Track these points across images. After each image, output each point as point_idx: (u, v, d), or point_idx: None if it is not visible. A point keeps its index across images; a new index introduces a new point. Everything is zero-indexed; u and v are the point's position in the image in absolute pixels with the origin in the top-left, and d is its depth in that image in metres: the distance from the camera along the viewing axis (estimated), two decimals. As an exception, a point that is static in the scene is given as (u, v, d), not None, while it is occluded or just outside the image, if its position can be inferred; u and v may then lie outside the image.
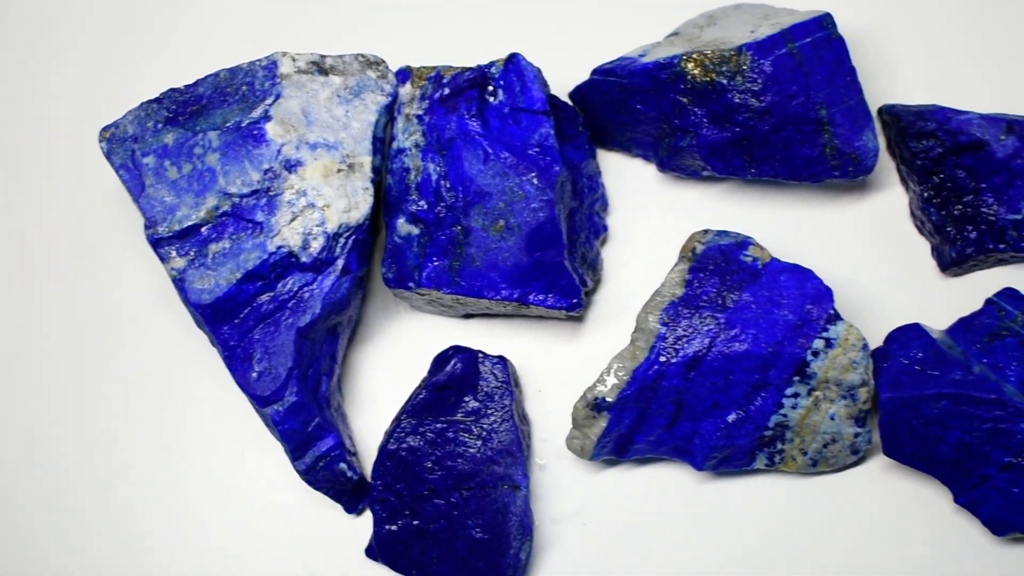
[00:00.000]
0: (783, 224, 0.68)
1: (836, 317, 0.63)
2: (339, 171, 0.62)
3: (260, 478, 0.66)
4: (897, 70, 0.70)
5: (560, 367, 0.67)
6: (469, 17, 0.71)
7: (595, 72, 0.66)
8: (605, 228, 0.67)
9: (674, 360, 0.62)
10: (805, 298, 0.63)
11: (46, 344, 0.69)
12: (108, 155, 0.63)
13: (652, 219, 0.68)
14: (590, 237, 0.66)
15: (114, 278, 0.69)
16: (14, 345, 0.69)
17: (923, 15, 0.71)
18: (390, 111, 0.65)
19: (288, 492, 0.66)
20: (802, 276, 0.63)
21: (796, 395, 0.62)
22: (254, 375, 0.62)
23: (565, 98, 0.68)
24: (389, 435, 0.64)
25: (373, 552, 0.65)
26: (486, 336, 0.67)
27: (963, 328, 0.65)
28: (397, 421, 0.65)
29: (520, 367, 0.67)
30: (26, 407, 0.68)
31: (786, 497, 0.65)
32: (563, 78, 0.68)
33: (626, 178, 0.69)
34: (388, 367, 0.67)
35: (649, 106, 0.65)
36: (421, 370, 0.66)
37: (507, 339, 0.67)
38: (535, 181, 0.62)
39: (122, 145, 0.63)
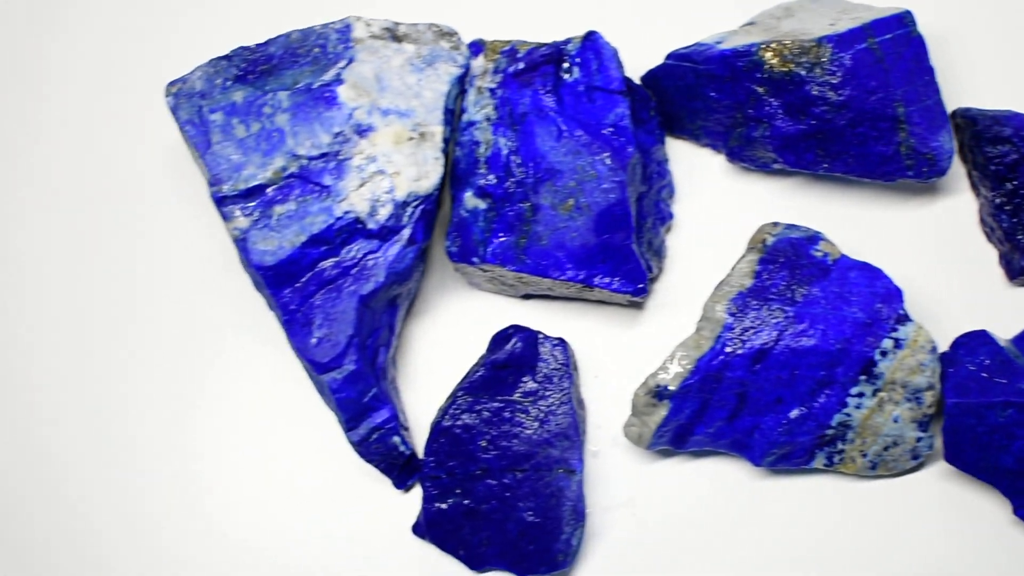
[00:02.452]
0: (849, 222, 0.68)
1: (906, 318, 0.63)
2: (410, 139, 0.62)
3: (310, 449, 0.66)
4: (972, 74, 0.71)
5: (618, 353, 0.67)
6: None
7: (670, 56, 0.67)
8: (671, 215, 0.68)
9: (740, 351, 0.63)
10: (875, 297, 0.63)
11: (98, 302, 0.69)
12: (174, 110, 0.63)
13: (718, 209, 0.69)
14: (656, 224, 0.66)
15: (171, 236, 0.69)
16: (67, 304, 0.69)
17: (1002, 18, 0.72)
18: (461, 83, 0.65)
19: (335, 465, 0.66)
20: (872, 274, 0.64)
21: (861, 395, 0.63)
22: (313, 341, 0.62)
23: (636, 81, 0.68)
24: (444, 411, 0.65)
25: (421, 529, 0.65)
26: (544, 317, 0.68)
27: (1029, 338, 0.65)
28: (453, 398, 0.65)
29: (578, 352, 0.67)
30: (72, 368, 0.68)
31: (842, 499, 0.65)
32: (634, 61, 0.69)
33: (694, 167, 0.69)
34: (443, 343, 0.67)
35: (723, 94, 0.66)
36: (476, 348, 0.67)
37: (565, 322, 0.68)
38: (608, 161, 0.63)
39: (189, 101, 0.63)
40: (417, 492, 0.66)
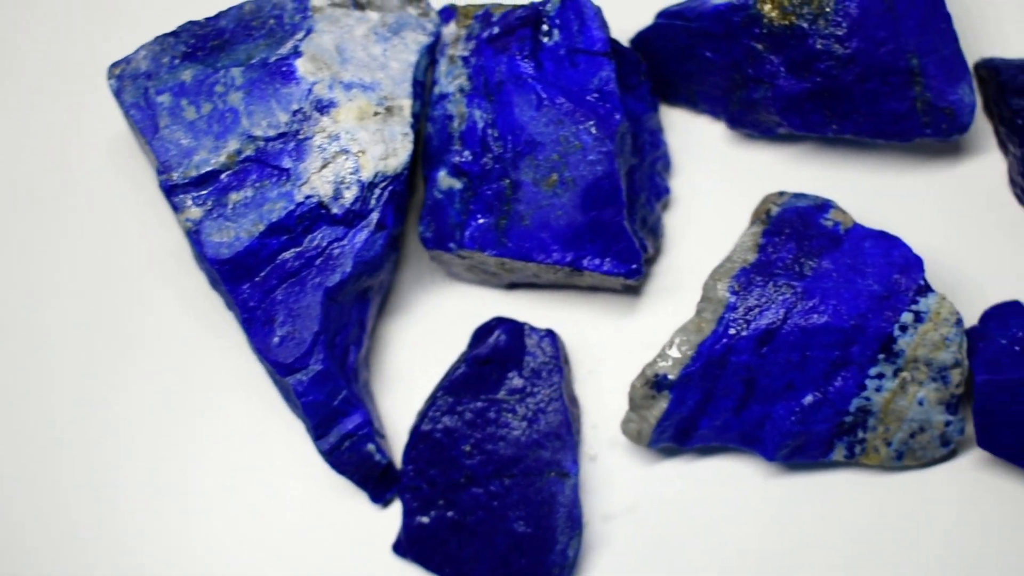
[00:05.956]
0: (865, 190, 0.69)
1: (927, 288, 0.63)
2: (376, 114, 0.63)
3: (275, 461, 0.67)
4: (994, 21, 0.71)
5: (614, 345, 0.67)
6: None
7: (660, 15, 0.67)
8: (667, 190, 0.68)
9: (744, 333, 0.63)
10: (892, 267, 0.64)
11: (46, 305, 0.69)
12: (118, 93, 0.64)
13: (719, 182, 0.69)
14: (651, 199, 0.67)
15: (119, 232, 0.70)
16: (13, 304, 0.69)
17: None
18: (432, 52, 0.66)
19: (306, 478, 0.66)
20: (889, 243, 0.64)
21: (880, 375, 0.63)
22: (275, 340, 0.62)
23: (625, 44, 0.69)
24: (423, 415, 0.65)
25: (402, 547, 0.65)
26: (532, 309, 0.68)
27: (1067, 308, 0.65)
28: (432, 399, 0.65)
29: (569, 345, 0.67)
30: (25, 370, 0.69)
31: (866, 495, 0.65)
32: (624, 24, 0.69)
33: (691, 136, 0.70)
34: (421, 341, 0.68)
35: (719, 54, 0.66)
36: (458, 345, 0.67)
37: (555, 313, 0.68)
38: (593, 130, 0.63)
39: (134, 83, 0.64)
40: (397, 506, 0.66)
